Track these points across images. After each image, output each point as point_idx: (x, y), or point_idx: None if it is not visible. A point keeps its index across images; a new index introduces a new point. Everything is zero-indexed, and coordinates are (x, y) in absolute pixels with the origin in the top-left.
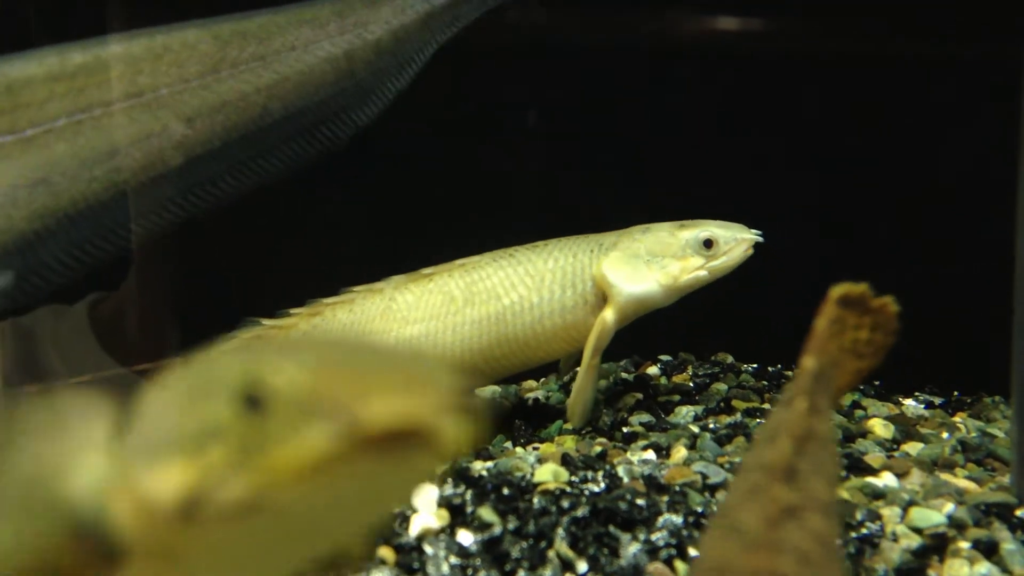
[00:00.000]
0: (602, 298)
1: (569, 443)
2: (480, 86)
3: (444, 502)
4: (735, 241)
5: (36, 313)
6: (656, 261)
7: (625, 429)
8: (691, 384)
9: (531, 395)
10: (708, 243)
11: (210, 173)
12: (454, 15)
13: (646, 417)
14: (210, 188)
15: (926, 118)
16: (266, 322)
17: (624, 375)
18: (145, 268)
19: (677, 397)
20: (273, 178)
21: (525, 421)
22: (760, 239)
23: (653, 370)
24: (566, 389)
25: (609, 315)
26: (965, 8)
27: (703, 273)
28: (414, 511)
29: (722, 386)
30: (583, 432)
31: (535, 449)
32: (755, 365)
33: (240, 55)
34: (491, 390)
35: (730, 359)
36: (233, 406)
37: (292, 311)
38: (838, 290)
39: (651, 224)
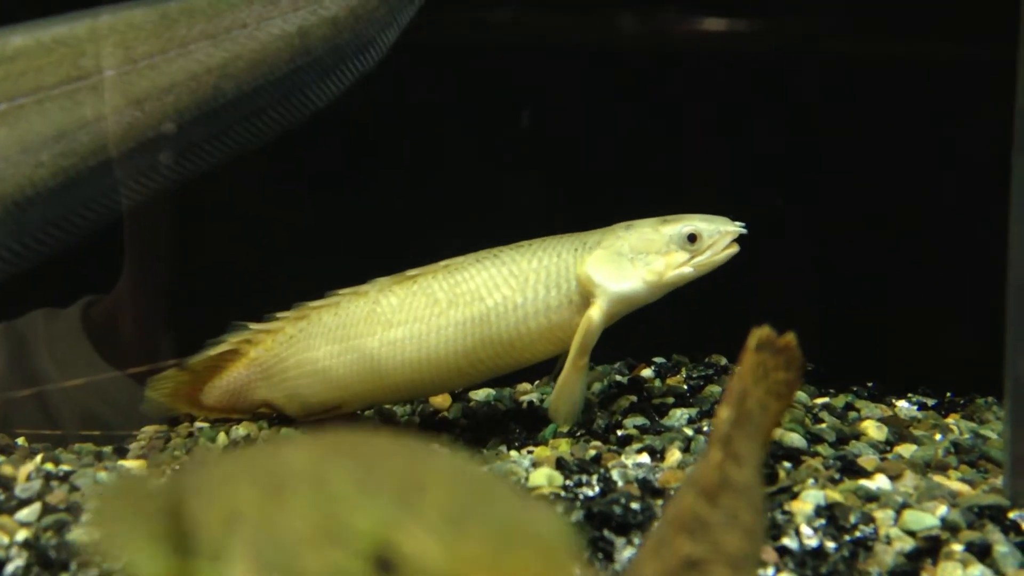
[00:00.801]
0: (587, 297)
1: (564, 446)
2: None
3: None
4: (719, 234)
5: (29, 316)
6: (640, 258)
7: (619, 432)
8: (685, 387)
9: (526, 398)
10: (692, 237)
11: (160, 157)
12: None
13: (640, 420)
14: (163, 172)
15: (920, 118)
16: (253, 326)
17: (618, 377)
18: (138, 270)
19: (671, 400)
20: (227, 158)
21: (520, 424)
22: (744, 231)
23: (647, 372)
24: None
25: (595, 314)
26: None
27: (688, 269)
28: None
29: (716, 388)
30: (578, 435)
31: (529, 453)
32: None
33: (189, 34)
34: (486, 393)
35: (724, 361)
36: (363, 563)
37: (279, 315)
38: (754, 338)
39: (634, 221)
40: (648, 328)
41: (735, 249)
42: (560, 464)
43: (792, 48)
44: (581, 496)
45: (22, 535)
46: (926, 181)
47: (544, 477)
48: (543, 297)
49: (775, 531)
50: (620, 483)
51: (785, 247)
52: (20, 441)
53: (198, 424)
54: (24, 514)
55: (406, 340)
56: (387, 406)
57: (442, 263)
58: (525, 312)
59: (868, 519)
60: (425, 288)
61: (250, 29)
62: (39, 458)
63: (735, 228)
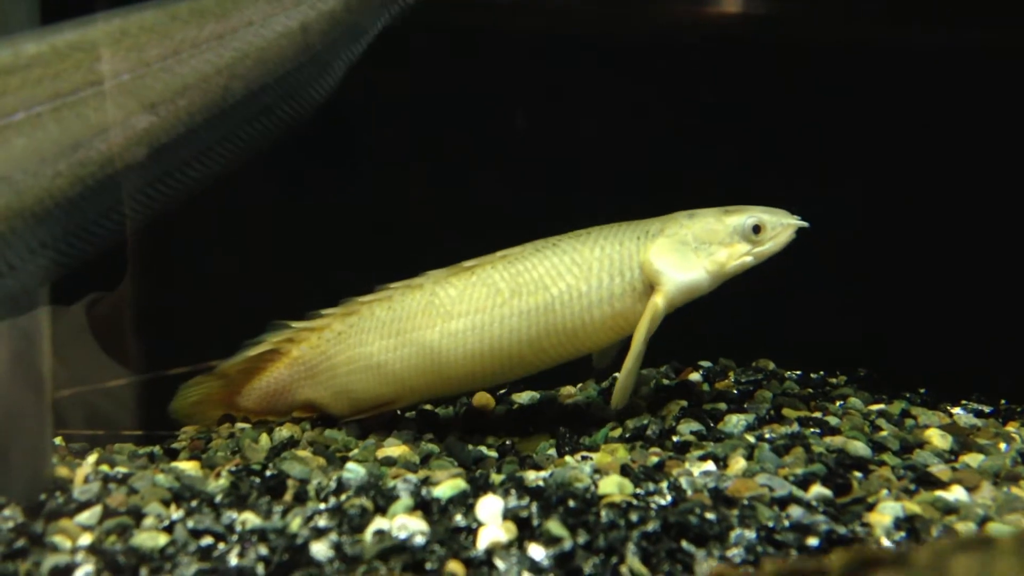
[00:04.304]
0: (649, 285)
1: (621, 452)
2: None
3: (510, 514)
4: (781, 226)
5: (33, 314)
6: (704, 248)
7: (675, 438)
8: (735, 391)
9: (570, 401)
10: (756, 229)
11: (176, 161)
12: None
13: (695, 426)
14: (177, 176)
15: (980, 119)
16: (296, 324)
17: (665, 381)
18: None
19: (723, 405)
20: (237, 162)
21: (567, 427)
22: (804, 224)
23: (695, 376)
24: (605, 394)
25: (659, 301)
26: None
27: (749, 259)
28: (480, 524)
29: (767, 393)
30: (627, 438)
31: (585, 459)
32: (798, 372)
33: (199, 34)
34: (529, 396)
35: (772, 365)
36: None
37: (324, 311)
38: None
39: (695, 210)
40: (693, 331)
41: (791, 239)
42: (625, 471)
43: None
44: (654, 505)
45: (85, 539)
46: (979, 185)
47: (615, 485)
48: (607, 285)
49: (856, 544)
50: (689, 492)
51: (832, 250)
52: (57, 440)
53: (239, 425)
54: (84, 517)
55: (468, 331)
56: (428, 407)
57: (499, 253)
58: (590, 300)
59: (951, 533)
60: (485, 279)
61: (256, 27)
62: (92, 459)
63: (796, 221)
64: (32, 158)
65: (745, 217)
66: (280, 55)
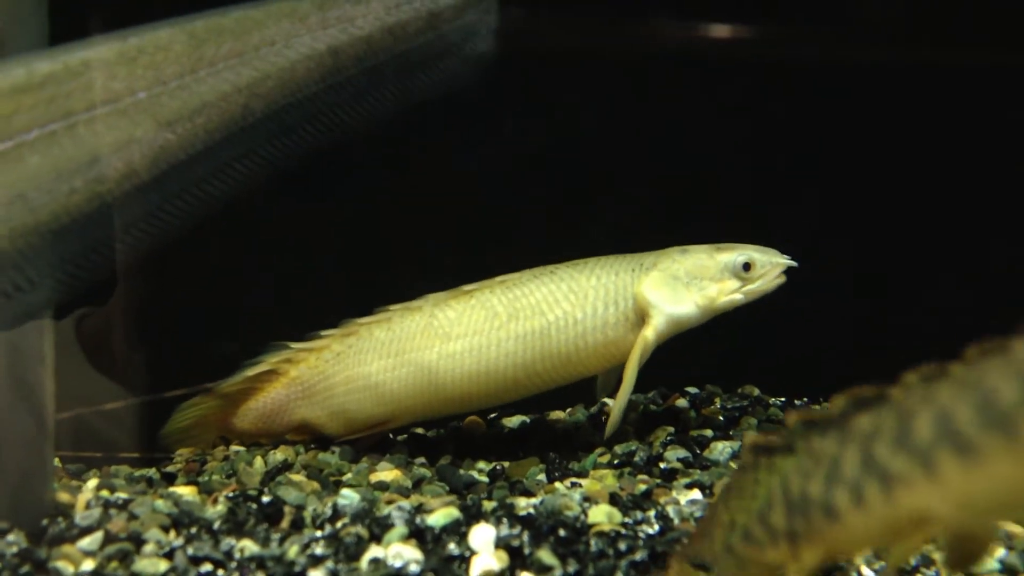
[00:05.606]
0: (641, 316)
1: (610, 479)
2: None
3: (502, 543)
4: (771, 265)
5: (22, 328)
6: (695, 283)
7: (662, 465)
8: (721, 418)
9: (560, 426)
10: (746, 266)
11: (193, 178)
12: (463, 19)
13: (682, 452)
14: (194, 194)
15: (973, 148)
16: (295, 345)
17: (653, 407)
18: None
19: (709, 432)
20: (258, 181)
21: (556, 452)
22: (793, 264)
23: (681, 403)
24: (593, 419)
25: (650, 334)
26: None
27: (739, 296)
28: (473, 552)
29: (752, 420)
30: (618, 466)
31: (574, 485)
32: (782, 399)
33: (217, 53)
34: (519, 420)
35: (757, 392)
36: None
37: (323, 332)
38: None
39: (688, 246)
40: (680, 357)
41: (783, 280)
42: (614, 499)
43: None
44: (642, 535)
45: (88, 565)
46: (965, 210)
47: (604, 514)
48: (601, 313)
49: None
50: (676, 520)
51: (818, 277)
52: (55, 462)
53: (234, 448)
54: (86, 543)
55: (465, 353)
56: (420, 431)
57: (497, 279)
58: (584, 327)
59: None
60: (483, 302)
61: (278, 47)
62: (92, 484)
63: (785, 260)
64: (47, 175)
65: (736, 255)
66: (305, 76)
